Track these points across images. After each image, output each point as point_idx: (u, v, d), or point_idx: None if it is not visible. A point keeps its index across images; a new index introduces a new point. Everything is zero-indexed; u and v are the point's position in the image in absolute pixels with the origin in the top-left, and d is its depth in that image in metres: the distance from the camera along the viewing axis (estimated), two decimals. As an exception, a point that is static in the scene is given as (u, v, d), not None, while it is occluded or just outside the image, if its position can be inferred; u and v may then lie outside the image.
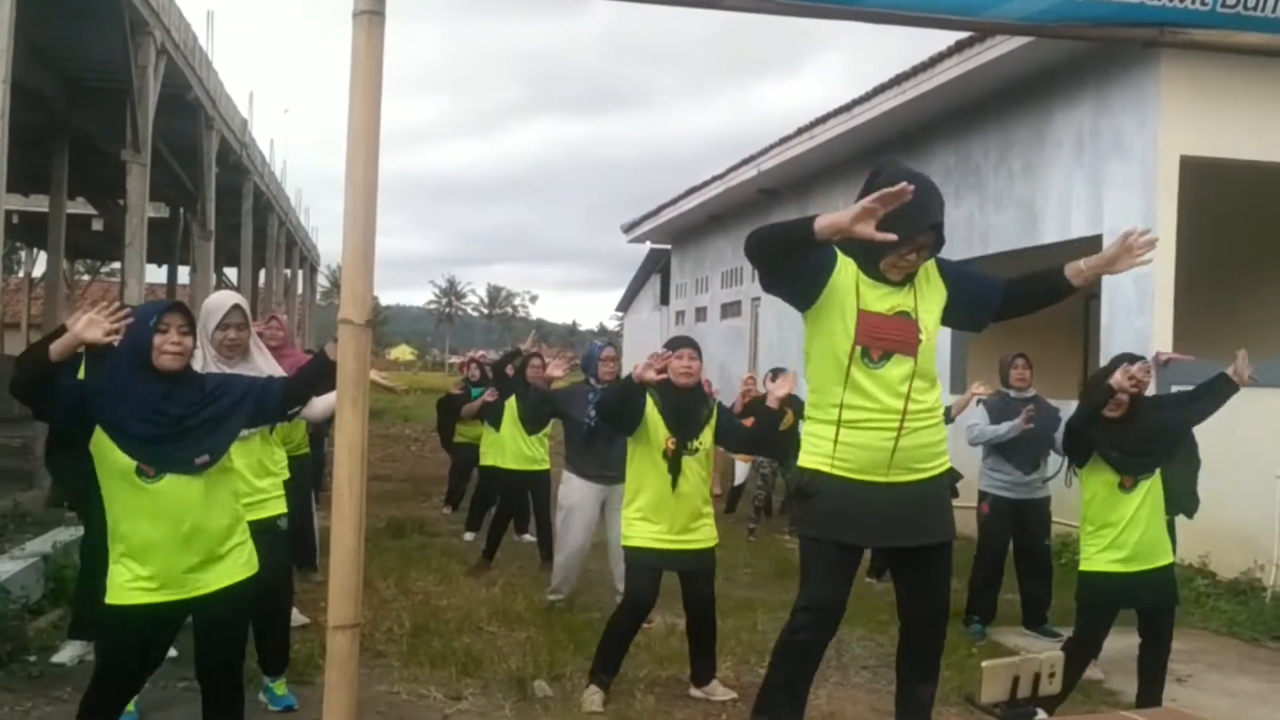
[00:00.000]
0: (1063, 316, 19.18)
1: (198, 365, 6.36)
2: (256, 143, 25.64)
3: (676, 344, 8.97)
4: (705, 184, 31.38)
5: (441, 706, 8.45)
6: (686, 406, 8.81)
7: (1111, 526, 8.26)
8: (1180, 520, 10.30)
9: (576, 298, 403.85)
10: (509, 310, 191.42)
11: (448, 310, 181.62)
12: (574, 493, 11.45)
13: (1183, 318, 14.69)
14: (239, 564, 6.03)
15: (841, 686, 9.40)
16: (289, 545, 8.43)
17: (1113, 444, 8.25)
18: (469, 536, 16.09)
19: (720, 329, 34.11)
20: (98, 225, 28.20)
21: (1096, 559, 8.34)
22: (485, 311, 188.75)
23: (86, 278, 59.77)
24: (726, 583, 12.72)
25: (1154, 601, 8.47)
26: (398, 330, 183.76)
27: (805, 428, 6.39)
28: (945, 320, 6.33)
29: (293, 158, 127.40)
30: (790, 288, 6.21)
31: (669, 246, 42.19)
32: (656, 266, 47.13)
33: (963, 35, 16.54)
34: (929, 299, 6.24)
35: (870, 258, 6.06)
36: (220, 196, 21.20)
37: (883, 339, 6.01)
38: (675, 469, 8.64)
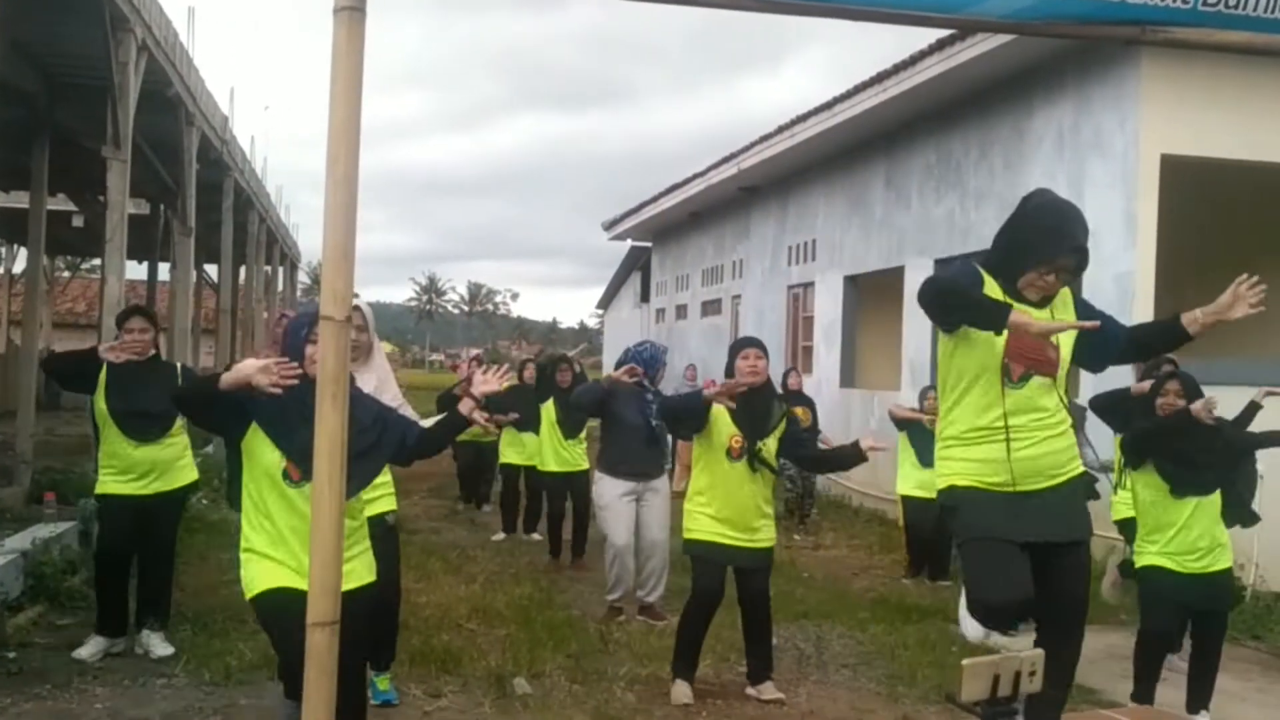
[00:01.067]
0: (1043, 315, 19.20)
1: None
2: (237, 139, 25.55)
3: (742, 344, 9.08)
4: (686, 182, 31.39)
5: (421, 704, 8.44)
6: (759, 406, 8.87)
7: (1165, 528, 8.31)
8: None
9: (557, 295, 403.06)
10: (489, 308, 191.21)
11: (428, 307, 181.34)
12: (607, 492, 11.56)
13: (1163, 317, 14.69)
14: (362, 568, 6.15)
15: (822, 685, 9.42)
16: (396, 540, 8.53)
17: (1171, 454, 8.27)
18: (499, 537, 16.14)
19: (700, 327, 34.13)
20: (78, 221, 28.04)
21: (1153, 556, 8.39)
22: (466, 309, 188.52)
23: (67, 274, 59.57)
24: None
25: (1208, 604, 8.50)
26: (378, 327, 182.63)
27: (940, 449, 6.47)
28: (1073, 356, 6.39)
29: (273, 154, 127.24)
30: (953, 323, 6.29)
31: (650, 244, 42.19)
32: (637, 264, 47.17)
33: (944, 33, 16.55)
34: (1065, 332, 6.25)
35: (1010, 277, 6.14)
36: (201, 193, 21.10)
37: (1029, 358, 6.07)
38: (754, 460, 8.75)
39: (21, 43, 15.64)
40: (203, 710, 8.04)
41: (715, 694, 8.93)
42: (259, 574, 5.93)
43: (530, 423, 15.21)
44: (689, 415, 8.90)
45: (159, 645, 9.32)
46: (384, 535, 7.54)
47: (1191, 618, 8.66)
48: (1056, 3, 4.98)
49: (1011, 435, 6.12)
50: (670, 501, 11.62)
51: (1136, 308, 14.43)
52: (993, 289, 6.13)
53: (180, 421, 9.48)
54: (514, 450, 16.16)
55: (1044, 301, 6.21)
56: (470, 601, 11.52)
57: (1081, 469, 6.49)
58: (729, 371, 8.97)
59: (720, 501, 8.77)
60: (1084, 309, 6.43)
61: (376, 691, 8.14)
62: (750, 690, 8.98)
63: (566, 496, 14.58)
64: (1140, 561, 8.49)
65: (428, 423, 6.61)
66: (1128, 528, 9.97)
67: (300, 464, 5.69)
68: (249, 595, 5.98)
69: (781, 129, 24.13)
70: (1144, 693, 8.47)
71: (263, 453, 5.83)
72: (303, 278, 70.20)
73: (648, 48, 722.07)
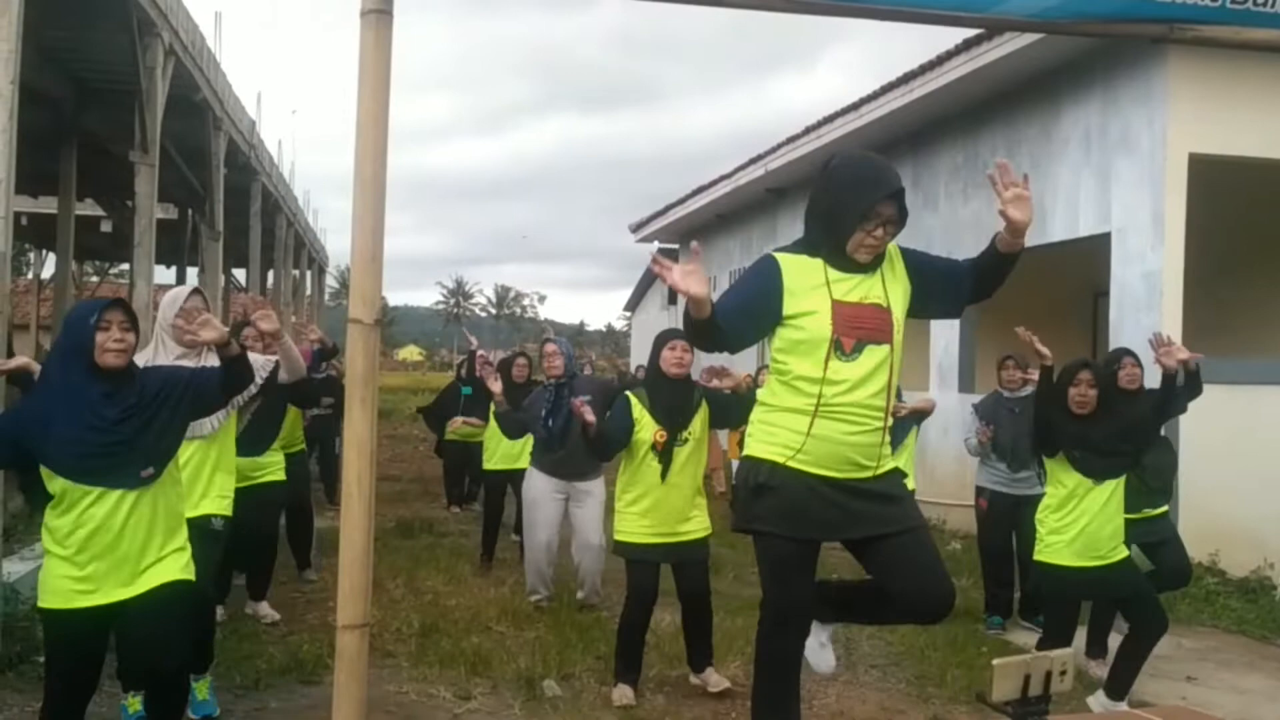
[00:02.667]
0: (1071, 314, 19.19)
1: (143, 359, 6.44)
2: (265, 144, 25.63)
3: (668, 335, 9.02)
4: (713, 183, 31.35)
5: (450, 706, 8.46)
6: (676, 398, 8.85)
7: (1075, 521, 8.34)
8: (1188, 518, 10.29)
9: (585, 298, 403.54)
10: (517, 311, 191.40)
11: (455, 311, 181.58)
12: (534, 488, 11.63)
13: (1192, 315, 14.67)
14: (174, 567, 6.00)
15: (851, 685, 9.41)
16: (216, 545, 8.04)
17: (1079, 442, 8.31)
18: (516, 537, 16.16)
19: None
20: (106, 227, 28.17)
21: (1059, 552, 8.42)
22: (493, 312, 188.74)
23: (95, 279, 59.76)
24: (735, 581, 12.76)
25: (1117, 592, 8.63)
26: (405, 331, 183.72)
27: (761, 415, 6.18)
28: (914, 312, 6.18)
29: (301, 158, 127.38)
30: (749, 338, 6.12)
31: (676, 246, 42.18)
32: (664, 266, 47.10)
33: (971, 33, 16.53)
34: (896, 290, 6.08)
35: (837, 245, 5.92)
36: (228, 197, 21.18)
37: (859, 328, 5.86)
38: (666, 460, 8.70)
39: (49, 48, 15.70)
40: (233, 713, 8.06)
41: (745, 695, 8.81)
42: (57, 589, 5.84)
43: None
44: (614, 428, 8.85)
45: None
46: (205, 539, 7.29)
47: (1119, 606, 8.68)
48: (1084, 1, 4.98)
49: (845, 416, 5.88)
50: (605, 504, 11.52)
51: (1165, 306, 14.40)
52: (801, 273, 5.96)
53: None
54: (497, 456, 16.15)
55: (876, 262, 6.03)
56: (500, 604, 11.54)
57: (893, 465, 6.23)
58: (653, 362, 8.99)
59: (647, 499, 8.77)
60: (914, 259, 6.26)
61: (194, 702, 7.84)
62: (695, 679, 9.01)
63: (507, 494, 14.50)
64: (1046, 558, 8.52)
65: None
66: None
67: (91, 482, 5.68)
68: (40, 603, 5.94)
69: (809, 130, 24.10)
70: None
71: (53, 480, 5.76)
72: (330, 281, 70.46)
73: (677, 47, 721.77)
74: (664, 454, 8.69)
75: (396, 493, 20.57)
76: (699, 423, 8.90)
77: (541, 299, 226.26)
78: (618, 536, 8.94)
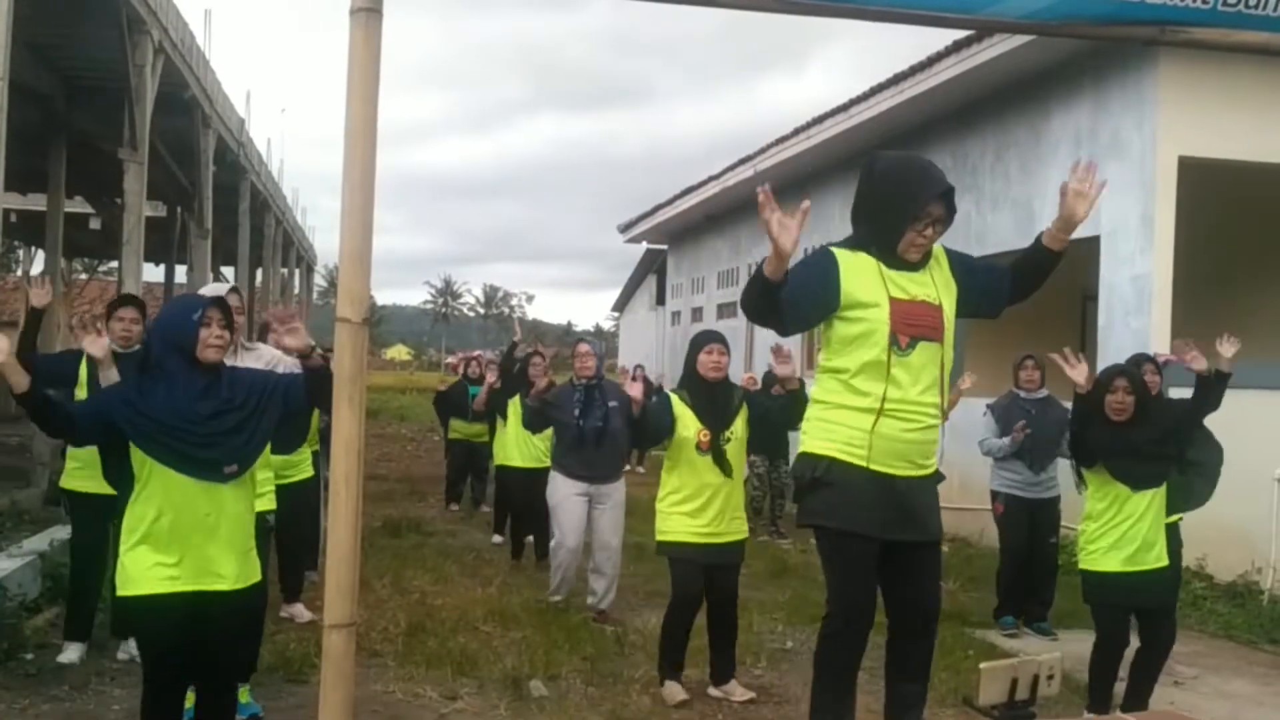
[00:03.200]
0: (1060, 317, 19.17)
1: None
2: (254, 142, 25.64)
3: (705, 339, 9.07)
4: (702, 184, 31.37)
5: (437, 706, 8.45)
6: (718, 399, 8.87)
7: (1116, 526, 8.22)
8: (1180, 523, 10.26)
9: (573, 298, 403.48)
10: (505, 310, 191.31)
11: (444, 310, 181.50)
12: (559, 491, 11.53)
13: (1181, 319, 14.67)
14: (250, 568, 6.09)
15: (838, 687, 9.38)
16: (267, 542, 8.22)
17: (1120, 450, 8.18)
18: (497, 539, 16.06)
19: (717, 329, 34.10)
20: (95, 224, 28.17)
21: (1102, 559, 8.29)
22: (481, 311, 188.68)
23: (84, 276, 59.66)
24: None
25: (1159, 602, 8.42)
26: (394, 330, 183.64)
27: (818, 412, 6.32)
28: (961, 311, 6.31)
29: (289, 156, 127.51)
30: (808, 318, 6.22)
31: (665, 247, 42.17)
32: (653, 267, 47.17)
33: (961, 35, 16.54)
34: (945, 288, 6.23)
35: (888, 244, 6.08)
36: (217, 195, 21.17)
37: (915, 325, 6.00)
38: (722, 459, 8.71)
39: (39, 46, 15.69)
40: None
41: (753, 695, 8.91)
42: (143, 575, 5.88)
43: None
44: (658, 417, 8.88)
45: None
46: (260, 535, 7.33)
47: (1140, 619, 8.61)
48: (1075, 3, 4.98)
49: (902, 414, 6.03)
50: (625, 506, 11.65)
51: (1154, 310, 14.41)
52: (857, 267, 6.07)
53: None
54: (503, 450, 16.13)
55: (924, 260, 6.18)
56: (486, 604, 11.52)
57: (936, 464, 6.39)
58: (689, 365, 8.99)
59: (695, 499, 8.75)
60: (959, 259, 6.42)
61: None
62: (715, 691, 8.95)
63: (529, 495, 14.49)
64: (1089, 565, 8.40)
65: None
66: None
67: (179, 469, 5.77)
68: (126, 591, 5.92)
69: (798, 131, 24.12)
70: (1101, 702, 8.38)
71: (142, 460, 5.87)
72: (319, 280, 70.41)
73: (668, 47, 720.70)
74: (715, 453, 8.70)
75: (384, 492, 20.54)
76: (740, 423, 8.91)
77: (530, 299, 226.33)
78: (662, 536, 8.93)
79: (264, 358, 8.22)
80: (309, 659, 8.79)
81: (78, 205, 26.39)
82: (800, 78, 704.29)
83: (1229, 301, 18.83)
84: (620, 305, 60.11)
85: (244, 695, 7.87)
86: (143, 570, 5.81)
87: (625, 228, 41.03)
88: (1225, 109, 14.68)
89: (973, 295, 6.32)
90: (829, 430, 6.18)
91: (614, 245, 42.18)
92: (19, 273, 43.56)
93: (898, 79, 19.39)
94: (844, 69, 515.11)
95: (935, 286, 6.17)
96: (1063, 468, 11.55)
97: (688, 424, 8.73)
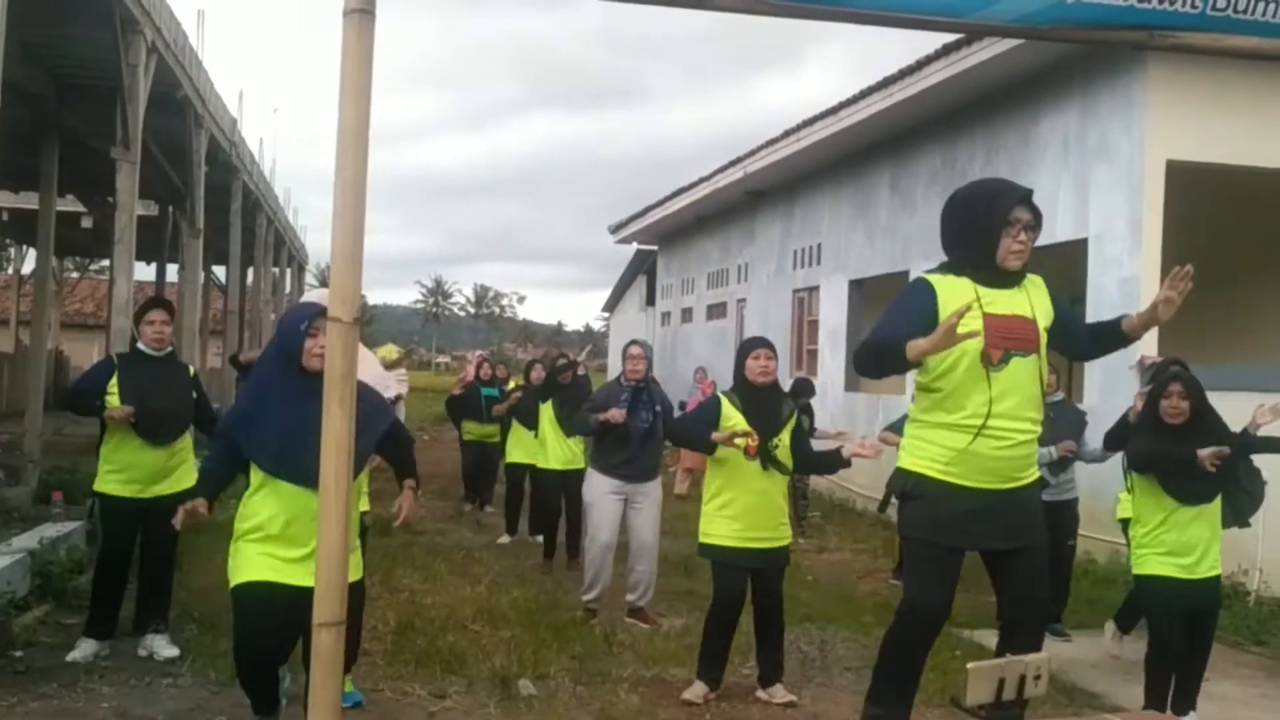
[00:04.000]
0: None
1: None
2: (246, 141, 25.61)
3: (752, 344, 9.12)
4: (692, 185, 31.41)
5: (426, 704, 8.46)
6: (768, 406, 8.91)
7: (1166, 534, 8.18)
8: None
9: (563, 298, 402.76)
10: (496, 310, 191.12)
11: (434, 310, 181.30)
12: (595, 488, 11.54)
13: (1168, 322, 14.67)
14: (354, 566, 6.27)
15: (826, 688, 9.42)
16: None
17: (1174, 464, 8.08)
18: (505, 540, 16.09)
19: (706, 330, 34.14)
20: (87, 223, 28.09)
21: (1151, 562, 8.27)
22: (472, 311, 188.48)
23: (75, 275, 59.68)
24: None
25: (1205, 605, 8.37)
26: (384, 330, 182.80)
27: (914, 430, 6.53)
28: (1050, 340, 6.50)
29: (281, 156, 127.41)
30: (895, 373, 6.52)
31: (655, 248, 42.19)
32: (643, 267, 47.15)
33: (950, 38, 16.57)
34: (1040, 307, 6.43)
35: (985, 259, 6.29)
36: (209, 195, 21.14)
37: (1009, 338, 6.18)
38: (770, 462, 8.77)
39: (31, 44, 15.67)
40: (209, 710, 8.06)
41: (718, 696, 8.92)
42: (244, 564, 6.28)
43: (532, 421, 15.39)
44: (697, 446, 8.96)
45: (164, 647, 9.22)
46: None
47: (1188, 619, 8.56)
48: (1064, 7, 4.99)
49: (998, 432, 6.19)
50: (662, 505, 11.64)
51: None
52: (954, 290, 6.23)
53: (190, 427, 9.45)
54: (520, 449, 16.16)
55: (1019, 278, 6.41)
56: (476, 603, 11.53)
57: (1038, 475, 6.61)
58: (740, 370, 9.02)
59: (739, 504, 8.77)
60: (1059, 300, 6.63)
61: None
62: (761, 694, 8.97)
63: (562, 496, 14.51)
64: (1142, 569, 8.35)
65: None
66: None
67: (288, 477, 6.14)
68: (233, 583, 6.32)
69: (788, 133, 24.16)
70: (1157, 704, 8.36)
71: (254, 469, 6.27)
72: (310, 279, 70.29)
73: (662, 47, 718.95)
74: (764, 456, 8.72)
75: (374, 491, 20.49)
76: (788, 434, 8.93)
77: (521, 299, 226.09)
78: (705, 539, 8.96)
79: (369, 371, 8.23)
80: (298, 656, 8.80)
81: (69, 204, 26.35)
82: (796, 78, 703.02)
83: (1217, 305, 18.87)
84: (610, 306, 60.01)
85: (346, 684, 7.94)
86: (252, 560, 6.24)
87: (616, 228, 41.08)
88: (1214, 113, 14.73)
89: (1062, 331, 6.54)
90: (922, 448, 6.42)
91: (605, 246, 42.26)
92: (10, 271, 43.48)
93: (887, 82, 19.43)
94: (840, 69, 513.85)
95: (1030, 304, 6.37)
96: (1079, 469, 11.63)
97: (730, 421, 8.77)
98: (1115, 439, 9.92)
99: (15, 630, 9.38)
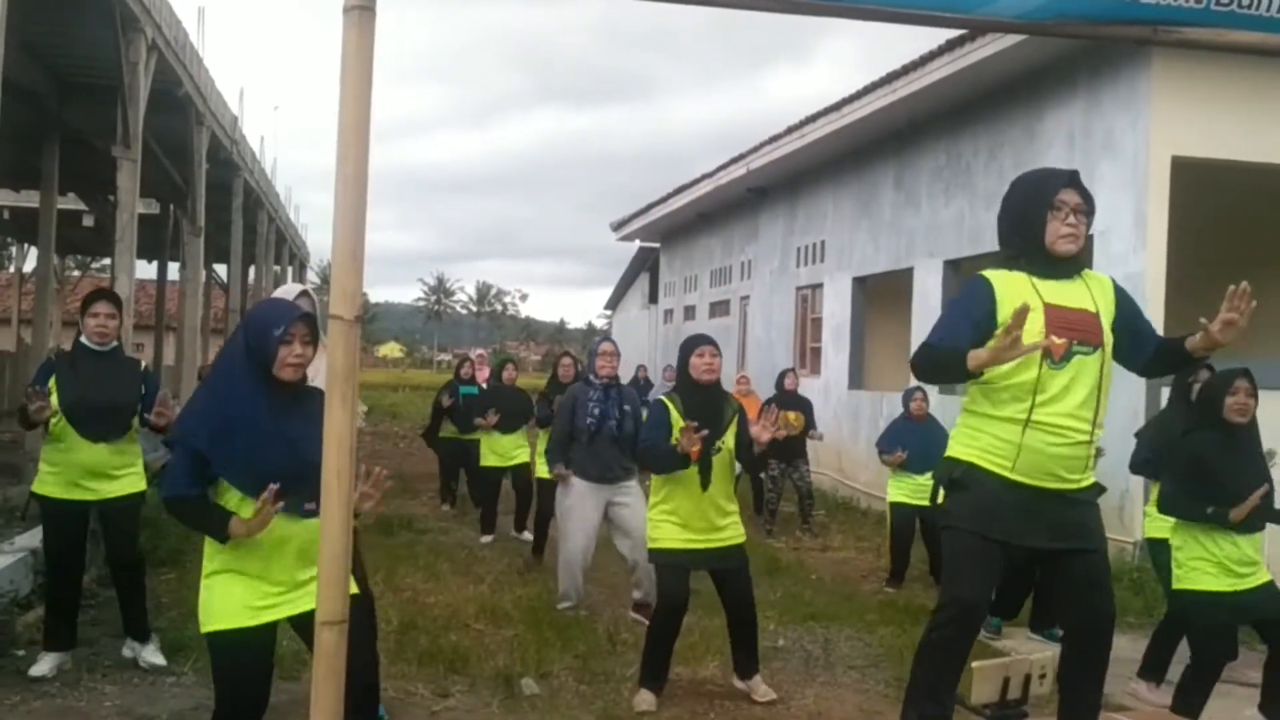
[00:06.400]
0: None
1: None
2: (247, 139, 25.63)
3: (696, 342, 9.02)
4: (694, 182, 31.39)
5: (429, 704, 8.45)
6: (710, 406, 8.77)
7: (1214, 549, 7.99)
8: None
9: (565, 295, 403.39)
10: (498, 308, 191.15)
11: (436, 308, 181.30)
12: (572, 492, 11.46)
13: (1173, 318, 14.69)
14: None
15: (829, 686, 9.40)
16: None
17: (1230, 479, 7.85)
18: (487, 539, 16.08)
19: (709, 328, 34.07)
20: (88, 221, 28.13)
21: (1199, 577, 8.07)
22: (474, 309, 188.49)
23: (77, 273, 59.73)
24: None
25: (1269, 613, 8.19)
26: (386, 328, 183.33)
27: (967, 420, 6.43)
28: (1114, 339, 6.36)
29: (282, 153, 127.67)
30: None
31: (658, 245, 42.17)
32: (645, 265, 47.13)
33: (954, 34, 16.54)
34: (1103, 301, 6.32)
35: (1036, 246, 6.21)
36: (210, 193, 21.17)
37: (1071, 329, 6.05)
38: (705, 469, 8.59)
39: (32, 43, 15.67)
40: (209, 708, 8.03)
41: (722, 695, 8.91)
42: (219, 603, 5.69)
43: (514, 422, 15.71)
44: (673, 465, 8.62)
45: (151, 654, 9.00)
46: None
47: (1258, 629, 8.42)
48: (1068, 2, 4.97)
49: (1054, 428, 6.06)
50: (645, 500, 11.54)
51: (1146, 309, 14.37)
52: (1011, 284, 6.14)
53: (135, 424, 8.96)
54: (494, 454, 16.16)
55: (1078, 268, 6.33)
56: (478, 601, 11.52)
57: (1093, 479, 6.39)
58: (683, 368, 8.93)
59: (681, 506, 8.67)
60: (1124, 296, 6.52)
61: None
62: (740, 684, 8.94)
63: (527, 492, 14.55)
64: (1189, 584, 8.15)
65: None
66: (1159, 550, 9.82)
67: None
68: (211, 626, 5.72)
69: (790, 129, 24.14)
70: (1194, 708, 8.23)
71: (230, 495, 5.59)
72: (312, 277, 70.37)
73: (668, 40, 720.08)
74: (702, 464, 8.56)
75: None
76: (731, 435, 8.83)
77: (524, 297, 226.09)
78: (652, 544, 8.85)
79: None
80: (300, 656, 8.78)
81: (71, 202, 26.39)
82: (805, 71, 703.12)
83: (1221, 300, 18.84)
84: (613, 303, 59.99)
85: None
86: (223, 604, 5.67)
87: (618, 225, 41.07)
88: (1218, 109, 14.71)
89: (1125, 332, 6.39)
90: (974, 436, 6.30)
91: (608, 242, 42.09)
92: (11, 269, 43.49)
93: (891, 78, 19.41)
94: (850, 63, 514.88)
95: (1092, 297, 6.26)
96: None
97: (678, 427, 8.56)
98: (1146, 465, 9.86)
99: (18, 629, 9.37)
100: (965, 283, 6.50)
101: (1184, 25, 5.09)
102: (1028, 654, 4.61)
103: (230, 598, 5.63)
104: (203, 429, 5.60)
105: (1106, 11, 5.02)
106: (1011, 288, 6.11)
